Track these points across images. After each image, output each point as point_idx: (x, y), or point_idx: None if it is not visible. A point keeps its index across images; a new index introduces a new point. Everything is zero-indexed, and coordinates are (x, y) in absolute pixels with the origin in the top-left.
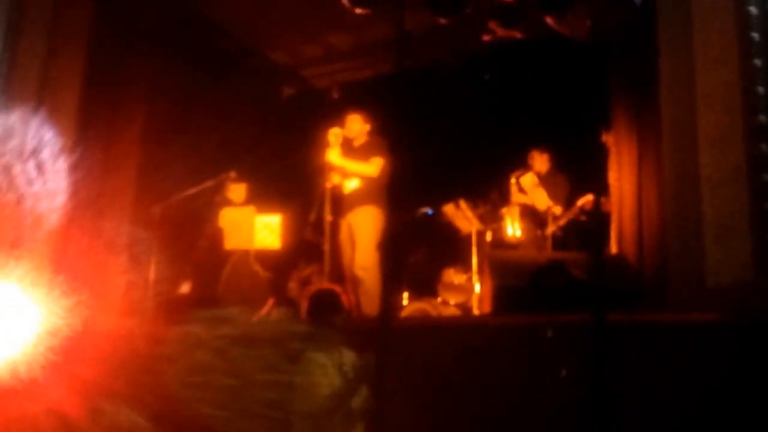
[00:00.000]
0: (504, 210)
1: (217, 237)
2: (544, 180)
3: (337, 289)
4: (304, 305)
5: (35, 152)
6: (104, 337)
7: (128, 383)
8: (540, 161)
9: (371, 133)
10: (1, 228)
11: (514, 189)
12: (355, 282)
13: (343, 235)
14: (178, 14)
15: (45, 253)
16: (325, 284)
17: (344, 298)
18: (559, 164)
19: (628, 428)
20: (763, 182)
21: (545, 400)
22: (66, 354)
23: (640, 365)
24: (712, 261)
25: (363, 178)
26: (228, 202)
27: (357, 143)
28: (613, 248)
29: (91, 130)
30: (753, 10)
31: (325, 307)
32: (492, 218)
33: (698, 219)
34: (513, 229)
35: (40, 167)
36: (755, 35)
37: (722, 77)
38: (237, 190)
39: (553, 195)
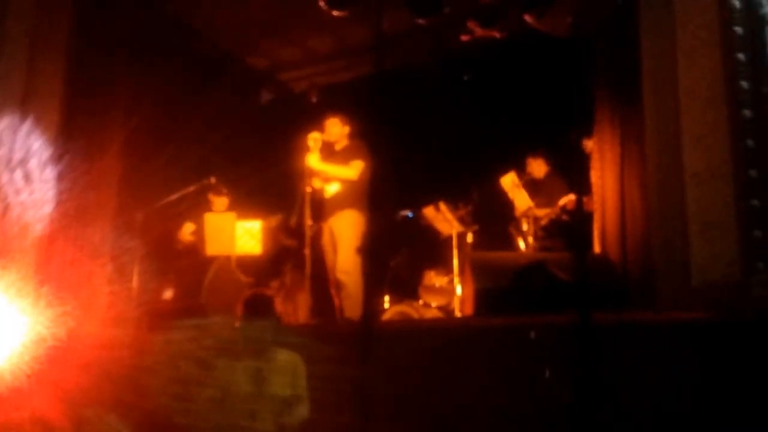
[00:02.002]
0: (512, 228)
1: (196, 242)
2: (541, 183)
3: (271, 294)
4: (240, 310)
5: (21, 162)
6: (88, 345)
7: (112, 392)
8: (536, 166)
9: (351, 137)
10: None
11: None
12: (338, 286)
13: (325, 239)
14: (157, 21)
15: (30, 262)
16: (261, 290)
17: (277, 304)
18: (555, 165)
19: (614, 428)
20: (750, 178)
21: (530, 402)
22: (51, 363)
23: (626, 365)
24: (698, 259)
25: (343, 181)
26: (211, 207)
27: (337, 147)
28: (597, 247)
29: (73, 139)
30: (736, 3)
31: (258, 311)
32: (472, 220)
33: (683, 216)
34: (525, 239)
35: (26, 177)
36: (738, 29)
37: (706, 72)
38: (219, 202)
39: (550, 198)
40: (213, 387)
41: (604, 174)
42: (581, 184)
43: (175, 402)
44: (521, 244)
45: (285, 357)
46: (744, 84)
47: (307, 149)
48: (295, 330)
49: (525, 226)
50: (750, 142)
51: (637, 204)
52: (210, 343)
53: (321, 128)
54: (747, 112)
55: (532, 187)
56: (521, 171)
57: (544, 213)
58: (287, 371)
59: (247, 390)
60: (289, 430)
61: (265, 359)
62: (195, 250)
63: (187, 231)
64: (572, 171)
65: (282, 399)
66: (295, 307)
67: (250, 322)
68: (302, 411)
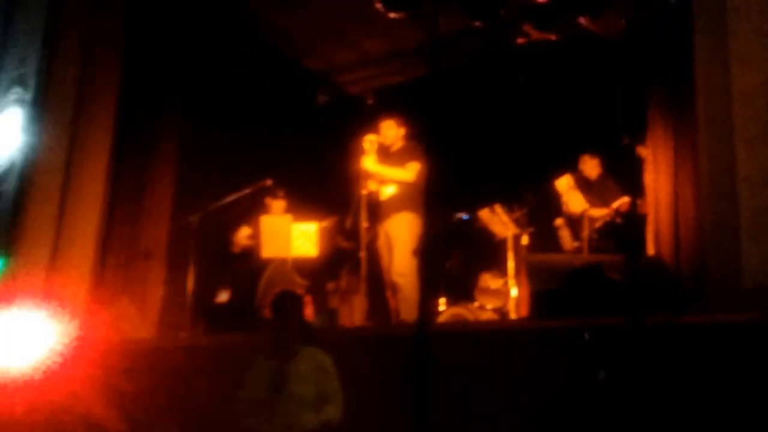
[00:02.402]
0: (559, 221)
1: (253, 245)
2: (594, 184)
3: (301, 293)
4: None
5: (73, 169)
6: (143, 349)
7: (165, 395)
8: (590, 165)
9: (406, 138)
10: (43, 240)
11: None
12: (394, 288)
13: (380, 241)
14: (214, 23)
15: (85, 264)
16: (290, 289)
17: (307, 304)
18: (609, 167)
19: (666, 429)
20: None
21: (584, 403)
22: (104, 366)
23: (678, 367)
24: (750, 261)
25: (399, 184)
26: (267, 210)
27: (393, 149)
28: (650, 250)
29: (129, 141)
30: None
31: (285, 311)
32: (528, 222)
33: (735, 219)
34: (570, 238)
35: (81, 184)
36: None
37: (758, 77)
38: (277, 205)
39: (602, 199)
40: (263, 389)
41: (658, 176)
42: (635, 187)
43: (226, 405)
44: (568, 243)
45: (318, 357)
46: None
47: (362, 151)
48: (350, 332)
49: (567, 230)
50: None
51: (690, 207)
52: (261, 345)
53: (376, 130)
54: None
55: (584, 186)
56: (574, 170)
57: (598, 215)
58: (322, 371)
59: (296, 392)
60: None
61: (302, 360)
62: (250, 253)
63: (243, 234)
64: (626, 173)
65: (323, 399)
66: (351, 310)
67: (282, 323)
68: (335, 411)
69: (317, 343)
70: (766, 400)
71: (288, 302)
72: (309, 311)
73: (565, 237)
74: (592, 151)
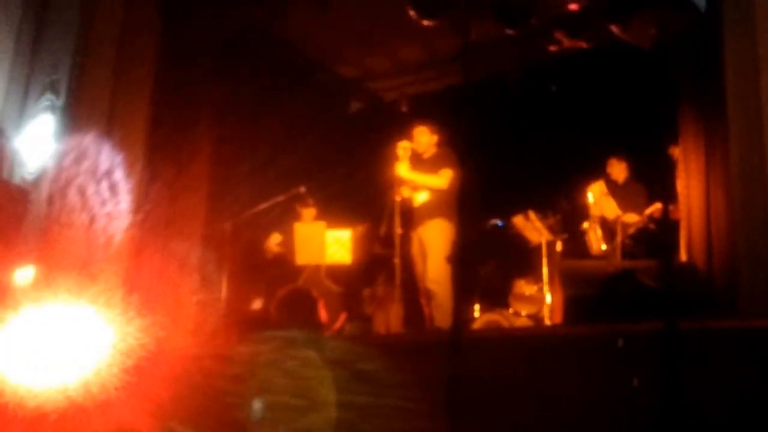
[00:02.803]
0: (586, 224)
1: (285, 252)
2: (621, 188)
3: (314, 294)
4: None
5: (107, 173)
6: (177, 357)
7: (201, 404)
8: (618, 169)
9: (440, 145)
10: (75, 248)
11: (591, 201)
12: (428, 295)
13: (414, 248)
14: (245, 30)
15: (118, 272)
16: (300, 287)
17: (320, 306)
18: (636, 172)
19: None
20: None
21: (618, 410)
22: (138, 374)
23: (712, 373)
24: None
25: (432, 190)
26: (299, 217)
27: (426, 156)
28: (683, 256)
29: (161, 148)
30: None
31: (295, 310)
32: (562, 228)
33: (767, 225)
34: (597, 241)
35: (112, 188)
36: None
37: None
38: (307, 213)
39: (630, 203)
40: (298, 397)
41: (690, 182)
42: (667, 193)
43: (260, 415)
44: (595, 247)
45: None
46: None
47: (396, 158)
48: (385, 339)
49: (595, 234)
50: None
51: (723, 212)
52: (296, 353)
53: (410, 137)
54: None
55: (612, 190)
56: (602, 173)
57: (632, 221)
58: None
59: (331, 399)
60: None
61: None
62: (283, 260)
63: (274, 242)
64: (658, 179)
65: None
66: (387, 317)
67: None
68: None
69: (319, 348)
70: None
71: (300, 301)
72: (323, 314)
73: (592, 241)
74: (620, 155)
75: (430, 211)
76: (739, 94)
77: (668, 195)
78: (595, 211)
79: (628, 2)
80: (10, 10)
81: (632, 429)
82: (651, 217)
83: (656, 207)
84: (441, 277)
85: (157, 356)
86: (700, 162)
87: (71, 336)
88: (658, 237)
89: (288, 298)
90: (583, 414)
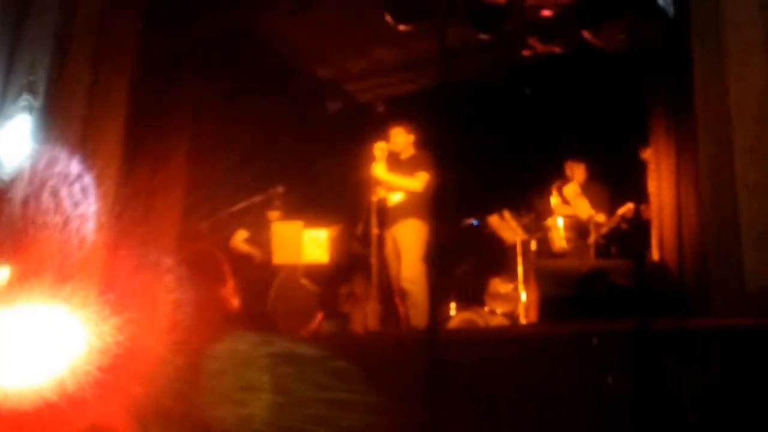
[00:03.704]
0: (549, 221)
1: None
2: (583, 189)
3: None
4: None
5: (83, 174)
6: (151, 354)
7: (174, 401)
8: (577, 171)
9: (417, 147)
10: (50, 248)
11: (555, 199)
12: (403, 294)
13: (388, 248)
14: (223, 34)
15: (93, 272)
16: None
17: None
18: (598, 173)
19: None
20: None
21: (593, 406)
22: (113, 372)
23: (685, 370)
24: (752, 265)
25: (407, 191)
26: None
27: (402, 156)
28: (655, 255)
29: (138, 149)
30: None
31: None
32: (536, 228)
33: (737, 224)
34: (559, 239)
35: (88, 189)
36: None
37: (755, 86)
38: (275, 216)
39: (593, 203)
40: (275, 394)
41: (661, 183)
42: (639, 193)
43: (235, 411)
44: (556, 244)
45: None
46: None
47: (373, 159)
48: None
49: (560, 231)
50: None
51: (693, 212)
52: (271, 350)
53: (386, 138)
54: None
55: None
56: (562, 175)
57: (604, 221)
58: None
59: (308, 396)
60: None
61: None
62: (248, 257)
63: (239, 238)
64: (629, 180)
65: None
66: (364, 315)
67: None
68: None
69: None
70: (765, 403)
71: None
72: (227, 271)
73: (555, 239)
74: (579, 156)
75: (404, 211)
76: (707, 96)
77: (640, 195)
78: (559, 211)
79: (600, 9)
80: None
81: (607, 425)
82: (623, 217)
83: (628, 207)
84: (415, 277)
85: (132, 354)
86: (671, 163)
87: (46, 335)
88: (630, 237)
89: (192, 257)
90: (558, 411)
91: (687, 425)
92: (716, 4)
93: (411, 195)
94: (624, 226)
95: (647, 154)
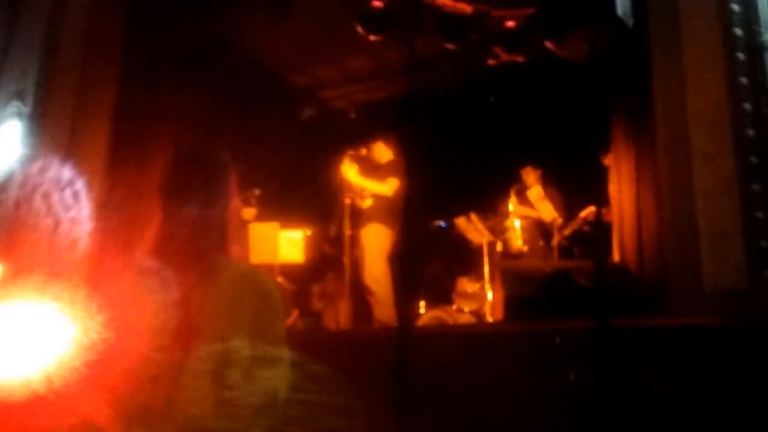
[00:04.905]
0: (507, 223)
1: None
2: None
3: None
4: None
5: (71, 179)
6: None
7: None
8: (533, 177)
9: (394, 156)
10: (41, 249)
11: (513, 202)
12: (369, 292)
13: (358, 248)
14: (205, 44)
15: (81, 272)
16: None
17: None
18: (554, 179)
19: (632, 428)
20: (753, 192)
21: (555, 402)
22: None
23: (643, 368)
24: (708, 267)
25: (376, 196)
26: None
27: (374, 162)
28: (616, 257)
29: (123, 155)
30: (738, 31)
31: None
32: (501, 229)
33: (694, 228)
34: (516, 240)
35: (76, 193)
36: (740, 55)
37: (711, 95)
38: (248, 213)
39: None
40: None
41: (621, 187)
42: (600, 197)
43: (217, 407)
44: (513, 246)
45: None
46: (747, 106)
47: (345, 163)
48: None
49: (517, 233)
50: (753, 159)
51: (652, 216)
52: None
53: (359, 144)
54: (750, 132)
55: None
56: (517, 181)
57: (568, 224)
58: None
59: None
60: None
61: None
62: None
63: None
64: (586, 183)
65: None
66: (336, 313)
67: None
68: (279, 377)
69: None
70: (724, 400)
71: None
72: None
73: (513, 240)
74: (535, 163)
75: (371, 215)
76: (666, 104)
77: (601, 199)
78: (517, 213)
79: (562, 21)
80: None
81: (569, 419)
82: (585, 220)
83: (590, 210)
84: (379, 276)
85: (118, 351)
86: (631, 168)
87: (36, 332)
88: (591, 238)
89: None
90: (523, 406)
91: (646, 420)
92: (675, 15)
93: (378, 201)
94: (586, 228)
95: (608, 159)
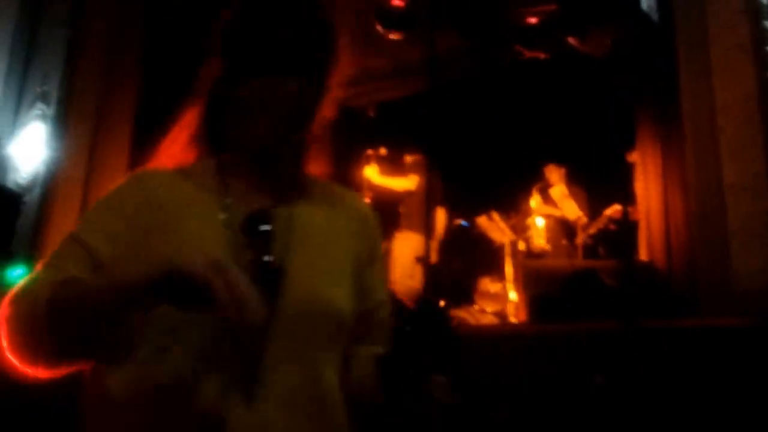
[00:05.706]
0: (529, 221)
1: None
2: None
3: None
4: None
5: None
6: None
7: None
8: (556, 174)
9: (410, 151)
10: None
11: (536, 200)
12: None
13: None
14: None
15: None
16: None
17: None
18: (577, 177)
19: (659, 428)
20: None
21: (580, 404)
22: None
23: (671, 370)
24: (738, 266)
25: (400, 193)
26: None
27: (395, 160)
28: (643, 256)
29: (145, 155)
30: (767, 24)
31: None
32: (524, 228)
33: (723, 226)
34: (539, 239)
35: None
36: None
37: (740, 90)
38: None
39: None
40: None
41: (648, 185)
42: (626, 195)
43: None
44: (535, 245)
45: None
46: None
47: (366, 162)
48: None
49: (539, 231)
50: None
51: (680, 214)
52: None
53: (387, 147)
54: None
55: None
56: (540, 179)
57: (593, 222)
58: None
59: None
60: None
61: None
62: None
63: None
64: (612, 181)
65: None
66: None
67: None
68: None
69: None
70: (754, 401)
71: None
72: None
73: (534, 238)
74: (558, 160)
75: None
76: (693, 100)
77: (627, 196)
78: (539, 212)
79: (584, 16)
80: (3, 24)
81: (595, 422)
82: (611, 218)
83: (615, 208)
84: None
85: None
86: (658, 165)
87: None
88: (617, 237)
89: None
90: (548, 409)
91: (673, 421)
92: (701, 9)
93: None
94: (611, 227)
95: (634, 156)
